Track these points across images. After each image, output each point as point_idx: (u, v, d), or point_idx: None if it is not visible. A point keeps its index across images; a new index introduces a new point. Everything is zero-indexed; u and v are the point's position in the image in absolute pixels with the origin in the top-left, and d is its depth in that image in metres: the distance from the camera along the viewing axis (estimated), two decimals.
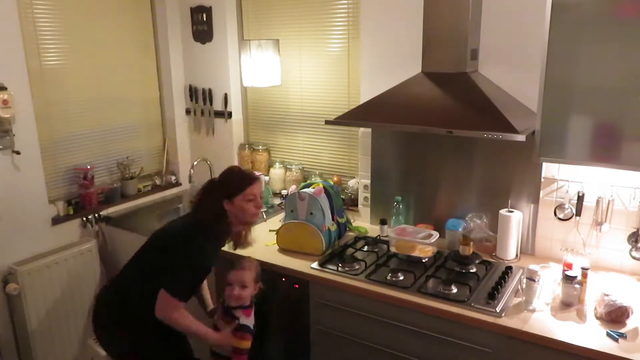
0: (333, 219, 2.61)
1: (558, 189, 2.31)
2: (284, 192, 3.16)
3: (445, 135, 2.43)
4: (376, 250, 2.55)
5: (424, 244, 2.36)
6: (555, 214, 2.32)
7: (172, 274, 1.96)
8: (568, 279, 1.99)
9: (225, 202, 2.06)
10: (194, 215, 2.11)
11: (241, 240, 2.26)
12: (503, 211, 2.38)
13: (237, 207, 2.07)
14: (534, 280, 1.96)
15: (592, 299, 1.97)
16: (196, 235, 2.01)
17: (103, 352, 2.45)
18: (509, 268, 2.27)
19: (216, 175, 3.19)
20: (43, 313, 2.75)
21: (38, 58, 2.78)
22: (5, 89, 2.52)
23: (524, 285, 1.99)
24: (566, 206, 2.28)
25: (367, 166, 2.85)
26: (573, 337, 1.78)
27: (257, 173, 3.18)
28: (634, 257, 2.17)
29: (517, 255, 2.41)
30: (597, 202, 2.20)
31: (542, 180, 2.34)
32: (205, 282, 2.28)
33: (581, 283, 1.98)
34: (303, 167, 3.24)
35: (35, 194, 2.78)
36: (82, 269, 2.93)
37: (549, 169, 2.31)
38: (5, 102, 2.50)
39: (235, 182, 2.10)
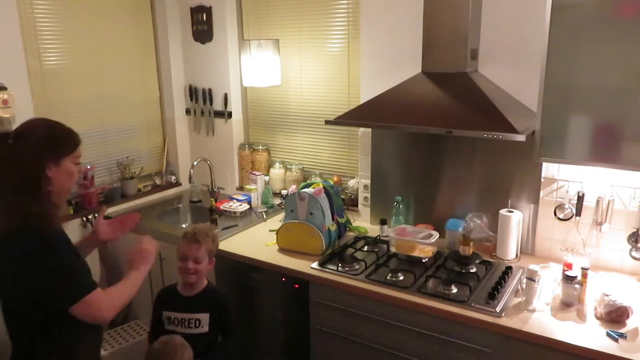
0: (333, 219, 2.61)
1: (558, 189, 2.31)
2: (284, 192, 3.16)
3: (445, 135, 2.44)
4: (376, 250, 2.55)
5: (424, 244, 2.36)
6: (555, 214, 2.32)
7: (56, 290, 1.53)
8: (568, 279, 1.99)
9: (51, 166, 1.56)
10: None
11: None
12: (503, 211, 2.38)
13: (65, 171, 1.60)
14: (534, 280, 1.96)
15: (592, 299, 1.97)
16: (22, 244, 1.52)
17: (103, 352, 2.45)
18: (509, 268, 2.27)
19: (217, 174, 3.15)
20: None
21: (38, 58, 2.79)
22: (5, 89, 2.52)
23: (524, 285, 1.99)
24: (566, 206, 2.28)
25: (367, 166, 2.86)
26: (573, 337, 1.78)
27: (257, 173, 3.23)
28: (634, 257, 2.17)
29: (517, 255, 2.41)
30: (597, 202, 2.20)
31: (542, 180, 2.34)
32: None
33: (581, 283, 1.98)
34: (303, 167, 3.24)
35: None
36: None
37: (549, 169, 2.31)
38: (5, 102, 2.50)
39: (65, 139, 1.62)
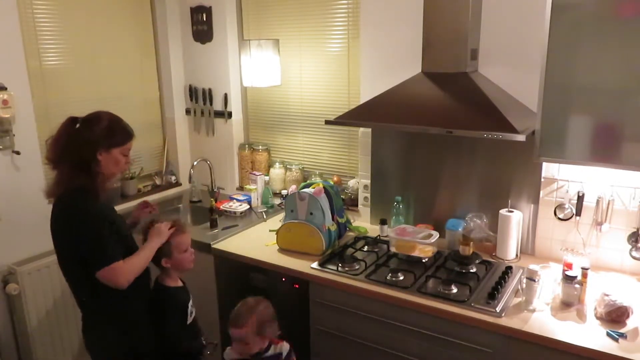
0: (333, 219, 2.61)
1: (558, 189, 2.31)
2: (284, 192, 3.16)
3: (445, 135, 2.44)
4: (376, 250, 2.55)
5: (424, 244, 2.35)
6: (555, 214, 2.32)
7: (87, 254, 1.83)
8: (568, 279, 1.99)
9: (102, 152, 1.87)
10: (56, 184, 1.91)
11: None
12: (503, 211, 2.38)
13: (113, 158, 1.90)
14: (534, 280, 1.96)
15: (592, 299, 1.97)
16: (65, 207, 1.86)
17: None
18: (509, 268, 2.27)
19: (217, 174, 3.18)
20: (43, 313, 2.75)
21: (38, 58, 2.78)
22: (5, 89, 2.52)
23: (524, 285, 1.99)
24: (566, 206, 2.28)
25: (367, 166, 2.85)
26: (573, 337, 1.78)
27: (257, 173, 3.23)
28: (634, 257, 2.17)
29: (517, 255, 2.41)
30: (597, 202, 2.20)
31: (542, 180, 2.34)
32: None
33: (581, 283, 1.98)
34: (303, 167, 3.24)
35: (35, 194, 2.75)
36: None
37: (549, 169, 2.31)
38: (5, 102, 2.50)
39: (119, 132, 1.93)
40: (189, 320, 2.07)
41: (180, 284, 2.11)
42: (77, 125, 1.88)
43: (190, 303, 2.10)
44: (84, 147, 1.85)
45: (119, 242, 1.90)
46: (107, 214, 1.91)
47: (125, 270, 1.85)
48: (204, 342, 2.15)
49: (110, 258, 1.82)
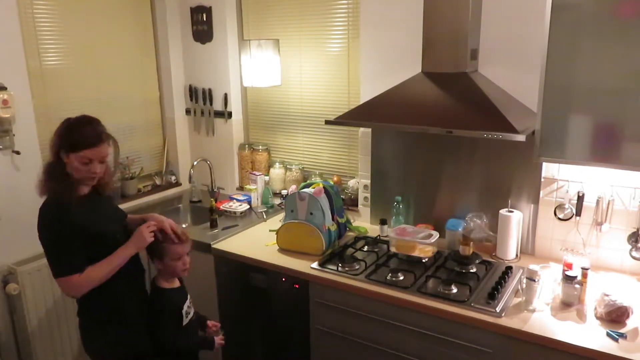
0: (333, 219, 2.61)
1: (558, 189, 2.31)
2: (284, 192, 3.16)
3: (445, 135, 2.43)
4: (376, 250, 2.55)
5: (424, 244, 2.35)
6: (555, 214, 2.32)
7: (48, 258, 1.83)
8: (568, 279, 1.99)
9: (64, 154, 1.83)
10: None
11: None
12: (503, 211, 2.38)
13: (72, 163, 1.83)
14: (534, 280, 1.96)
15: (592, 299, 1.97)
16: (39, 214, 1.83)
17: None
18: (509, 268, 2.27)
19: (217, 174, 3.18)
20: (43, 313, 2.75)
21: (38, 58, 2.78)
22: (5, 89, 2.52)
23: (524, 285, 1.99)
24: (566, 206, 2.28)
25: (367, 166, 2.85)
26: (573, 337, 1.78)
27: (257, 173, 3.22)
28: (634, 257, 2.17)
29: (517, 255, 2.41)
30: (597, 202, 2.20)
31: (542, 180, 2.34)
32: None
33: (581, 283, 1.98)
34: (303, 167, 3.24)
35: (35, 194, 2.76)
36: None
37: (549, 169, 2.31)
38: (5, 102, 2.50)
39: (74, 138, 1.83)
40: (185, 321, 2.05)
41: (176, 284, 2.07)
42: (61, 126, 1.89)
43: (187, 304, 2.07)
44: (52, 148, 1.86)
45: (90, 249, 1.84)
46: (72, 219, 1.81)
47: (79, 283, 1.81)
48: (205, 336, 2.15)
49: (63, 270, 1.80)
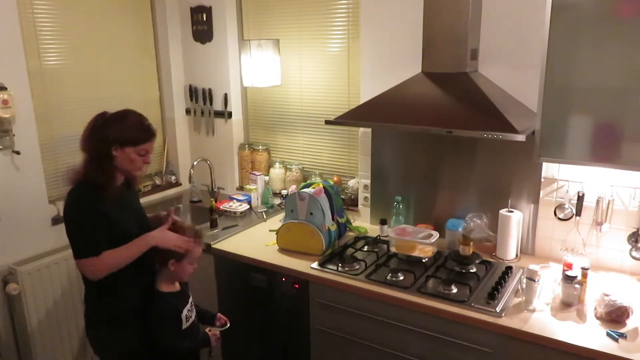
0: (333, 219, 2.61)
1: (558, 189, 2.31)
2: (284, 192, 3.16)
3: (445, 135, 2.44)
4: (376, 250, 2.55)
5: (424, 244, 2.36)
6: (555, 214, 2.32)
7: (71, 239, 1.90)
8: (568, 279, 1.99)
9: (116, 148, 1.91)
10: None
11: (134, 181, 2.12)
12: (503, 211, 2.38)
13: (126, 156, 1.93)
14: (534, 280, 1.96)
15: (592, 299, 1.97)
16: (68, 196, 1.91)
17: None
18: (509, 268, 2.27)
19: (217, 174, 3.18)
20: (43, 313, 2.75)
21: (38, 58, 2.78)
22: (5, 89, 2.52)
23: (524, 285, 1.99)
24: (566, 206, 2.28)
25: (367, 166, 2.85)
26: (573, 337, 1.78)
27: (257, 173, 3.23)
28: (634, 257, 2.17)
29: (517, 255, 2.41)
30: (597, 202, 2.20)
31: (542, 180, 2.34)
32: None
33: (581, 283, 1.98)
34: (303, 167, 3.24)
35: (35, 194, 2.77)
36: None
37: (549, 169, 2.31)
38: (5, 102, 2.50)
39: (133, 132, 1.94)
40: (185, 325, 2.03)
41: (176, 288, 2.06)
42: (104, 120, 1.94)
43: (188, 307, 2.05)
44: (101, 142, 1.90)
45: (114, 237, 1.91)
46: (103, 209, 1.89)
47: (98, 266, 1.87)
48: (203, 336, 2.13)
49: (89, 252, 1.86)
